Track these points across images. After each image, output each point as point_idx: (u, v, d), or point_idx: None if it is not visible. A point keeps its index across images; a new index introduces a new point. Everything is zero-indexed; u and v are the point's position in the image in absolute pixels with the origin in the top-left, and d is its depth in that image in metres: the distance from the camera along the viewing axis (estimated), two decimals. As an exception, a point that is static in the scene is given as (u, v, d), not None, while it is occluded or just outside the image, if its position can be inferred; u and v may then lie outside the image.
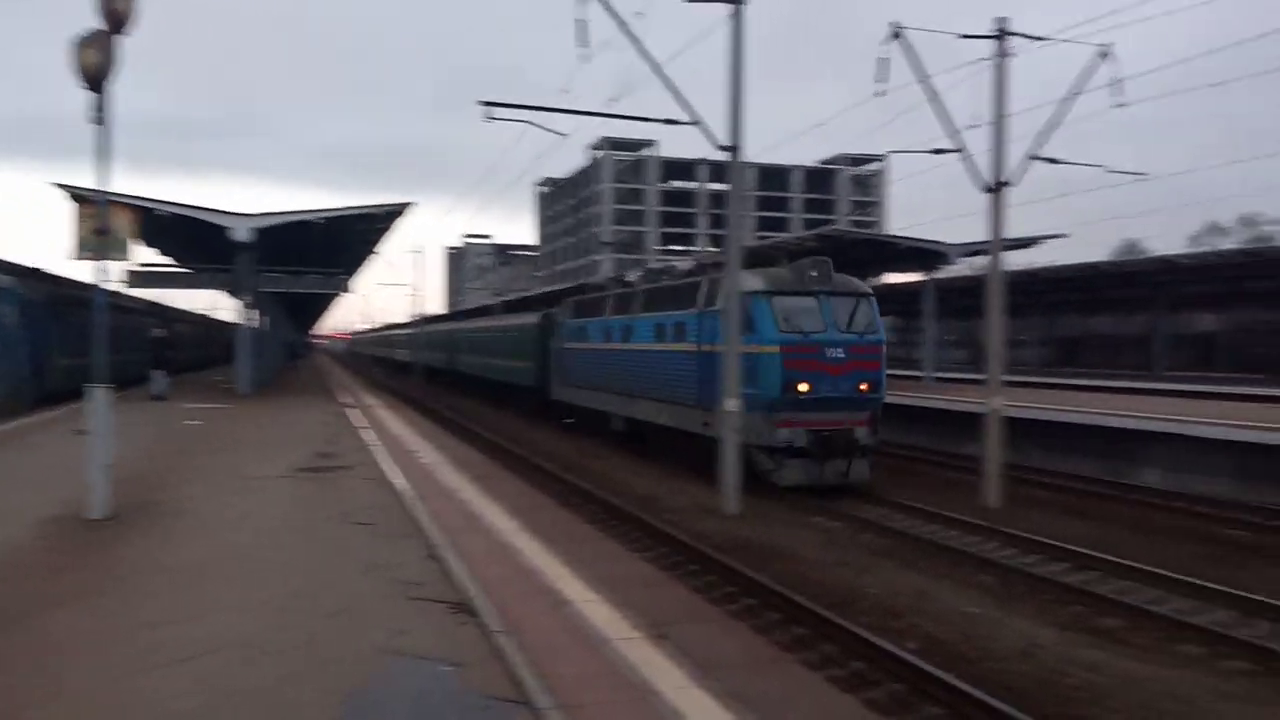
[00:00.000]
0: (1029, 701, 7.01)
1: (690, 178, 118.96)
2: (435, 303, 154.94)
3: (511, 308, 46.72)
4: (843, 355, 15.99)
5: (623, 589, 8.94)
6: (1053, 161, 17.04)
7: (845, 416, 16.06)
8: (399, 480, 15.08)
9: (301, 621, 7.69)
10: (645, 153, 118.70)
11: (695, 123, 15.24)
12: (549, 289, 49.62)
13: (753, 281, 16.42)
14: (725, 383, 15.12)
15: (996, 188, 16.20)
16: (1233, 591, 10.03)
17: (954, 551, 12.40)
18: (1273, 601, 9.64)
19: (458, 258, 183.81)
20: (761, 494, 15.44)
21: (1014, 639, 8.78)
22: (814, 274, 16.50)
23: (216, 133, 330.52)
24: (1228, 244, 72.38)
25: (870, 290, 17.21)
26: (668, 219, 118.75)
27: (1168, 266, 39.75)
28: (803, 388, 15.70)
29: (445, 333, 54.78)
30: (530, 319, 32.57)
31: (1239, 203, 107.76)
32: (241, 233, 31.18)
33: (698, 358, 17.67)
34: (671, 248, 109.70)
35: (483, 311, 54.34)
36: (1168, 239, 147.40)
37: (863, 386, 16.14)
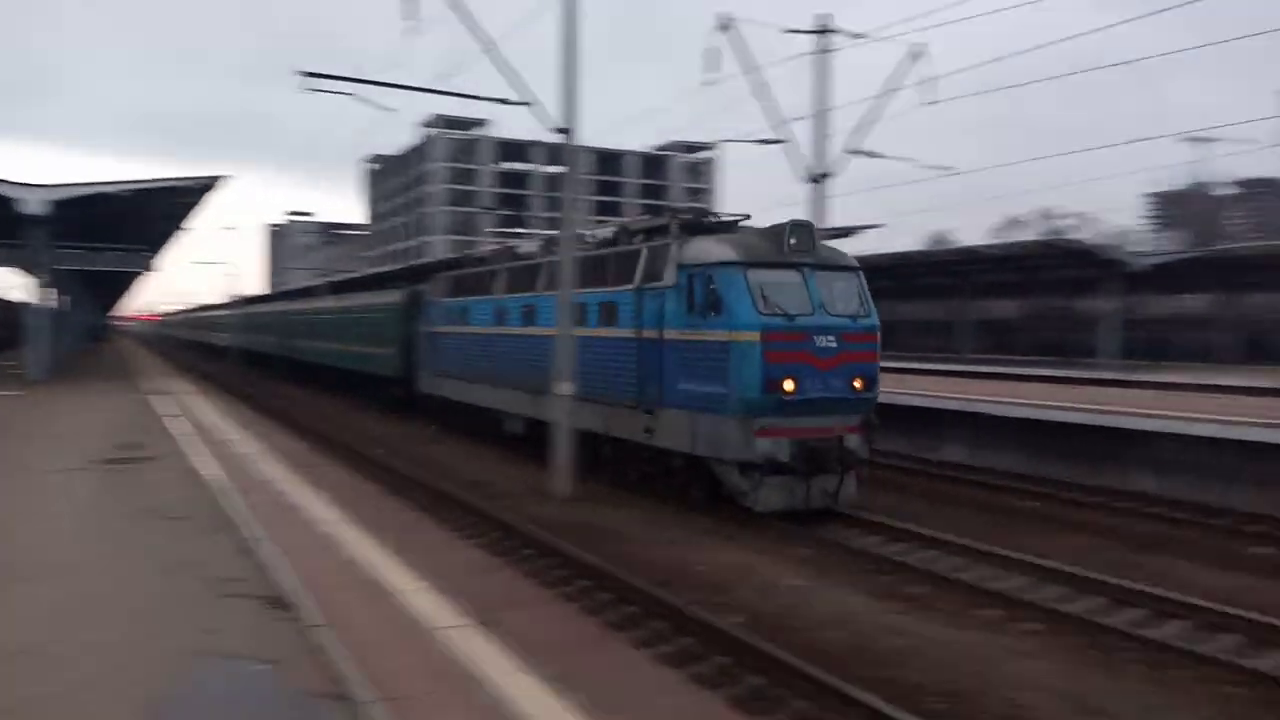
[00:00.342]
0: (843, 666, 7.36)
1: (526, 159, 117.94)
2: (255, 282, 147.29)
3: (362, 285, 42.04)
4: (834, 344, 12.93)
5: (451, 576, 8.79)
6: (870, 155, 17.92)
7: (835, 421, 13.08)
8: (211, 471, 14.27)
9: (100, 624, 7.16)
10: (479, 132, 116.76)
11: (528, 104, 15.07)
12: (413, 264, 43.77)
13: (719, 250, 13.28)
14: (559, 365, 15.05)
15: (819, 178, 16.87)
16: (1027, 559, 10.84)
17: (778, 527, 12.84)
18: (1063, 568, 10.50)
19: (279, 236, 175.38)
20: (595, 476, 15.52)
21: (831, 608, 9.20)
22: (794, 241, 13.28)
23: (7, 94, 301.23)
24: (1026, 236, 78.30)
25: (858, 263, 14.51)
26: (503, 201, 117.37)
27: (971, 256, 42.65)
28: (788, 386, 12.57)
29: (278, 314, 49.77)
30: (392, 297, 28.41)
31: (1036, 197, 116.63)
32: (34, 205, 28.60)
33: (637, 346, 14.49)
34: (507, 230, 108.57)
35: (326, 290, 48.99)
36: (973, 231, 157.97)
37: (856, 383, 13.12)
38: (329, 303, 38.92)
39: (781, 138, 16.96)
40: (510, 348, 18.97)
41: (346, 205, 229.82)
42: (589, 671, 6.54)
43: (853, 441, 13.25)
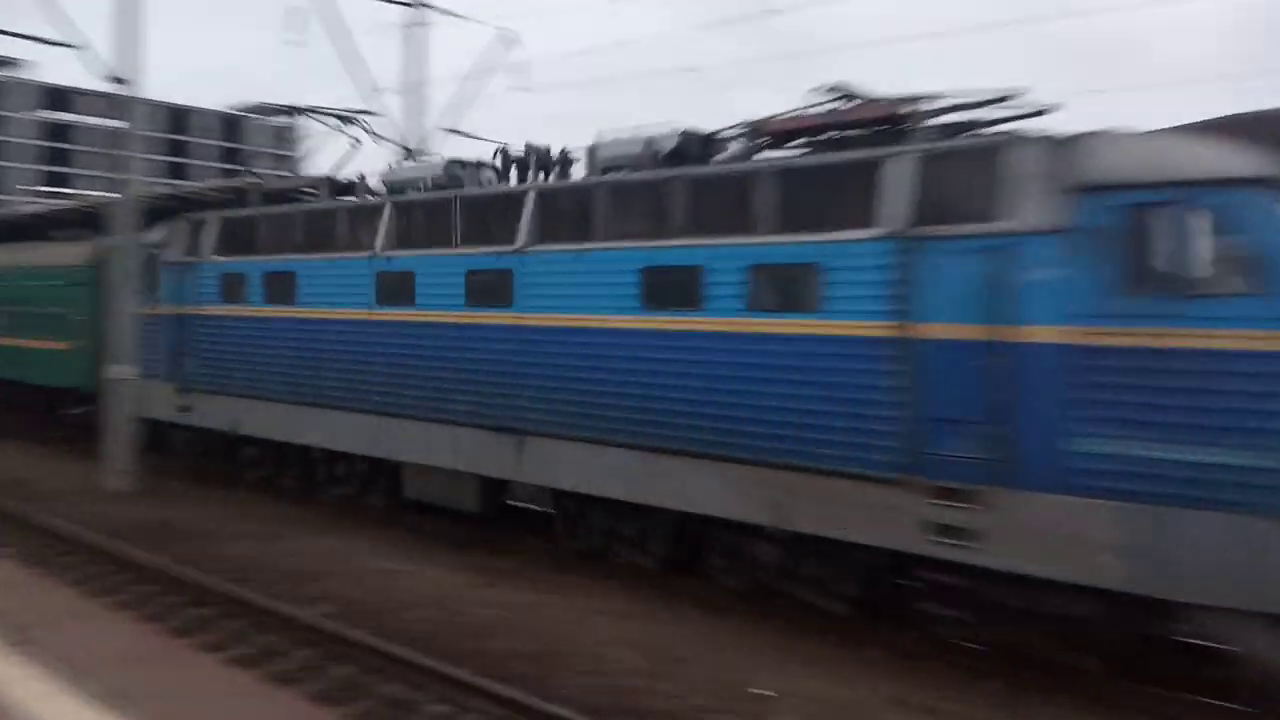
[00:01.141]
0: (435, 642, 7.40)
1: (75, 109, 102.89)
2: None
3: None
4: None
5: (-30, 595, 7.47)
6: (464, 135, 18.01)
7: None
8: None
9: None
10: (12, 74, 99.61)
11: (76, 46, 13.23)
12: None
13: (1220, 158, 6.56)
14: (119, 344, 13.35)
15: (410, 154, 16.63)
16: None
17: (371, 514, 12.43)
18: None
19: None
20: (168, 467, 13.98)
21: (426, 588, 9.18)
22: None
23: None
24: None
25: None
26: (47, 155, 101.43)
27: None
28: None
29: None
30: (73, 253, 17.86)
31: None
32: None
33: (898, 355, 7.50)
34: (57, 189, 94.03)
35: None
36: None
37: None
38: None
39: (372, 109, 16.44)
40: (438, 348, 10.86)
41: None
42: (148, 685, 5.91)
43: None
